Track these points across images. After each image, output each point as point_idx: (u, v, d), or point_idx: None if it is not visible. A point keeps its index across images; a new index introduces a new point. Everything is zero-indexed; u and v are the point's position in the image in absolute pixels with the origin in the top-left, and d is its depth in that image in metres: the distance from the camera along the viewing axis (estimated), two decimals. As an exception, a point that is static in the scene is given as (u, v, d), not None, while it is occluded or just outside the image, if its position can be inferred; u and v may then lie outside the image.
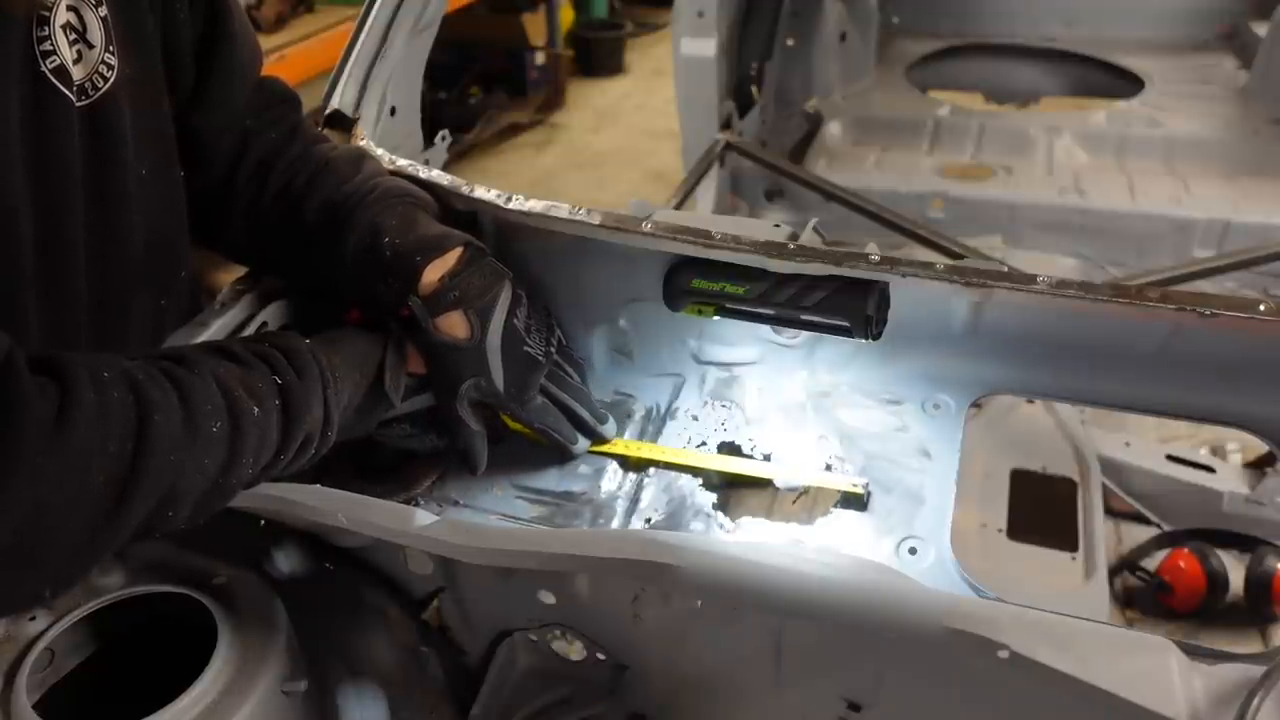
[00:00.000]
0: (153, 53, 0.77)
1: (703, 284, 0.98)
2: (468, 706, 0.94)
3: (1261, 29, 2.78)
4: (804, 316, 0.95)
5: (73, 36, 0.67)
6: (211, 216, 0.94)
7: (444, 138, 1.38)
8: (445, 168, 1.19)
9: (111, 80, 0.71)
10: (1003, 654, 0.59)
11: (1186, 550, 1.81)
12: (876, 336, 0.95)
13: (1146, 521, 1.93)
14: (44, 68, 0.64)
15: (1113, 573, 1.84)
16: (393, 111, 1.25)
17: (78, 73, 0.68)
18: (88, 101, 0.69)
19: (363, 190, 0.91)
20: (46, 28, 0.64)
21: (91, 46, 0.69)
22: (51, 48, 0.65)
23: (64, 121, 0.67)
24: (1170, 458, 1.93)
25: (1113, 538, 1.93)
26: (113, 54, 0.71)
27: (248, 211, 0.94)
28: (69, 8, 0.67)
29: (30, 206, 0.65)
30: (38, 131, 0.65)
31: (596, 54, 5.33)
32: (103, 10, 0.70)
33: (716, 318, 1.01)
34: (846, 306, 0.93)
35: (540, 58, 4.66)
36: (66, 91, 0.66)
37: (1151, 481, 1.92)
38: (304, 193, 0.92)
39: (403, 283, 0.87)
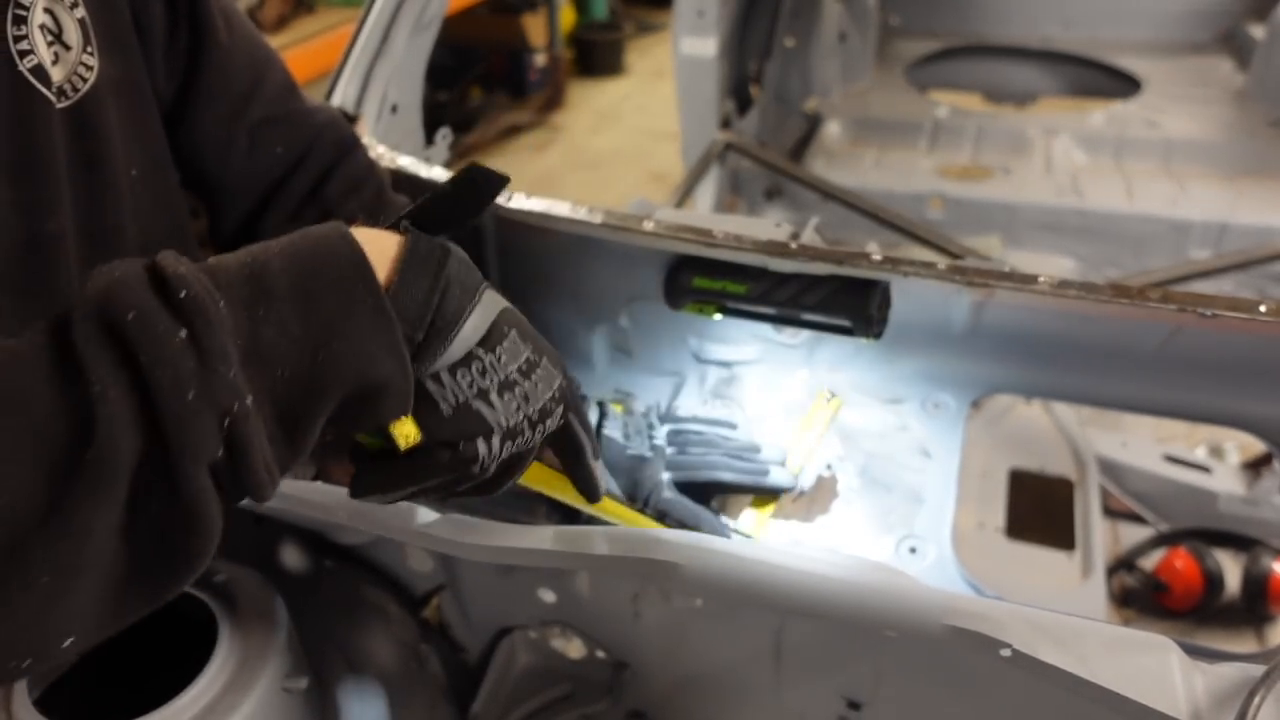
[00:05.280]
0: (134, 54, 0.76)
1: (704, 283, 0.98)
2: (467, 704, 0.94)
3: (1259, 31, 2.79)
4: (805, 315, 0.95)
5: (49, 38, 0.66)
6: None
7: (445, 136, 1.38)
8: (446, 168, 1.19)
9: (91, 81, 0.69)
10: (1005, 652, 0.59)
11: (1183, 550, 1.82)
12: (878, 336, 0.95)
13: (1143, 521, 1.94)
14: (22, 67, 0.63)
15: (1110, 572, 1.85)
16: (394, 109, 1.25)
17: (56, 74, 0.67)
18: (69, 103, 0.68)
19: None
20: (24, 27, 0.63)
21: (69, 48, 0.68)
22: (29, 47, 0.64)
23: (45, 122, 0.66)
24: (1167, 458, 1.94)
25: (1110, 537, 1.93)
26: (91, 54, 0.70)
27: None
28: (45, 10, 0.66)
29: (12, 208, 0.64)
30: (18, 132, 0.64)
31: (597, 55, 5.33)
32: (79, 12, 0.69)
33: (717, 316, 1.01)
34: (848, 306, 0.93)
35: (541, 59, 4.66)
36: (46, 92, 0.65)
37: (1148, 481, 1.93)
38: None
39: None
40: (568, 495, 0.76)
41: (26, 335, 0.43)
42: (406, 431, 0.54)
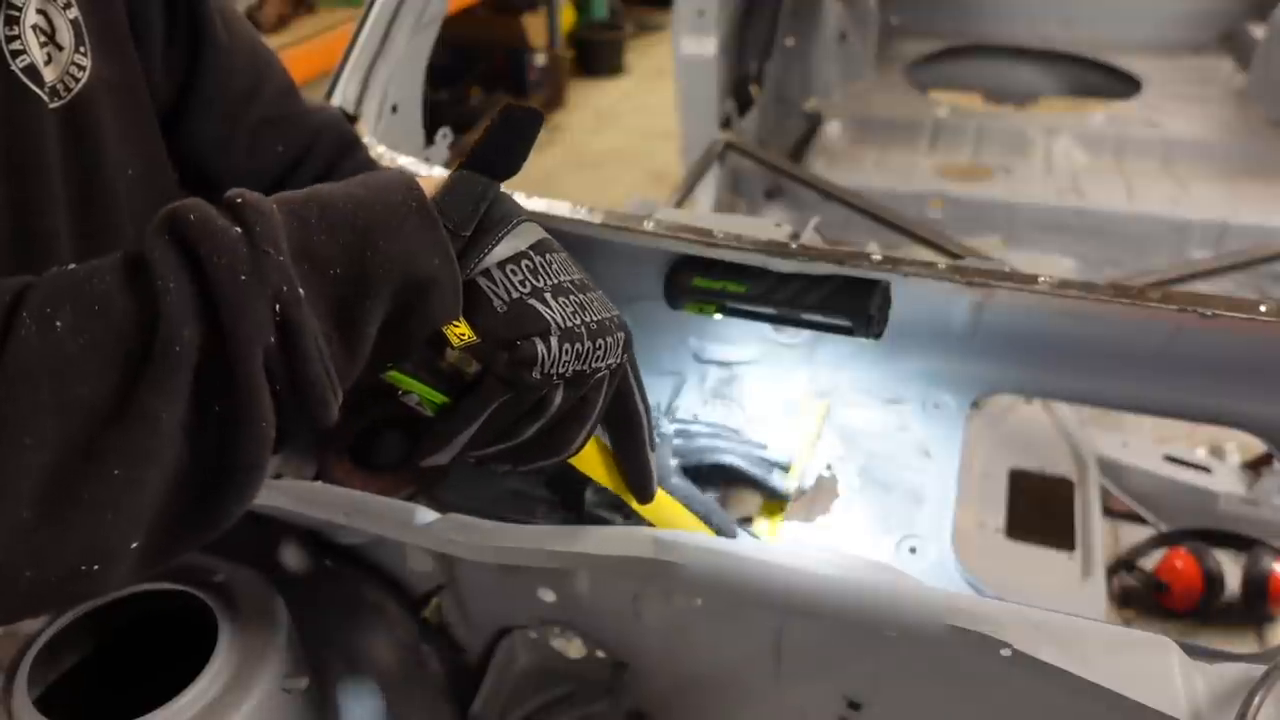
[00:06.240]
0: (130, 55, 0.76)
1: (704, 283, 0.98)
2: (467, 704, 0.94)
3: (1259, 31, 2.79)
4: (805, 315, 0.95)
5: (42, 39, 0.67)
6: None
7: (445, 136, 1.38)
8: (446, 167, 1.19)
9: (83, 81, 0.70)
10: (1005, 652, 0.59)
11: (1183, 550, 1.82)
12: (877, 336, 0.95)
13: (1143, 521, 1.94)
14: (14, 67, 0.64)
15: (1110, 572, 1.85)
16: (394, 109, 1.25)
17: (49, 74, 0.67)
18: (61, 103, 0.68)
19: None
20: (16, 27, 0.64)
21: (61, 48, 0.68)
22: (22, 47, 0.64)
23: (37, 122, 0.66)
24: (1167, 458, 1.94)
25: (1110, 537, 1.93)
26: (84, 55, 0.70)
27: None
28: (38, 10, 0.66)
29: (4, 206, 0.64)
30: (10, 130, 0.64)
31: (597, 55, 5.33)
32: (71, 13, 0.69)
33: (718, 316, 1.01)
34: (848, 305, 0.93)
35: (541, 58, 4.67)
36: (39, 91, 0.66)
37: (1149, 481, 1.93)
38: None
39: None
40: (620, 491, 0.72)
41: (109, 256, 0.47)
42: (461, 331, 0.55)
